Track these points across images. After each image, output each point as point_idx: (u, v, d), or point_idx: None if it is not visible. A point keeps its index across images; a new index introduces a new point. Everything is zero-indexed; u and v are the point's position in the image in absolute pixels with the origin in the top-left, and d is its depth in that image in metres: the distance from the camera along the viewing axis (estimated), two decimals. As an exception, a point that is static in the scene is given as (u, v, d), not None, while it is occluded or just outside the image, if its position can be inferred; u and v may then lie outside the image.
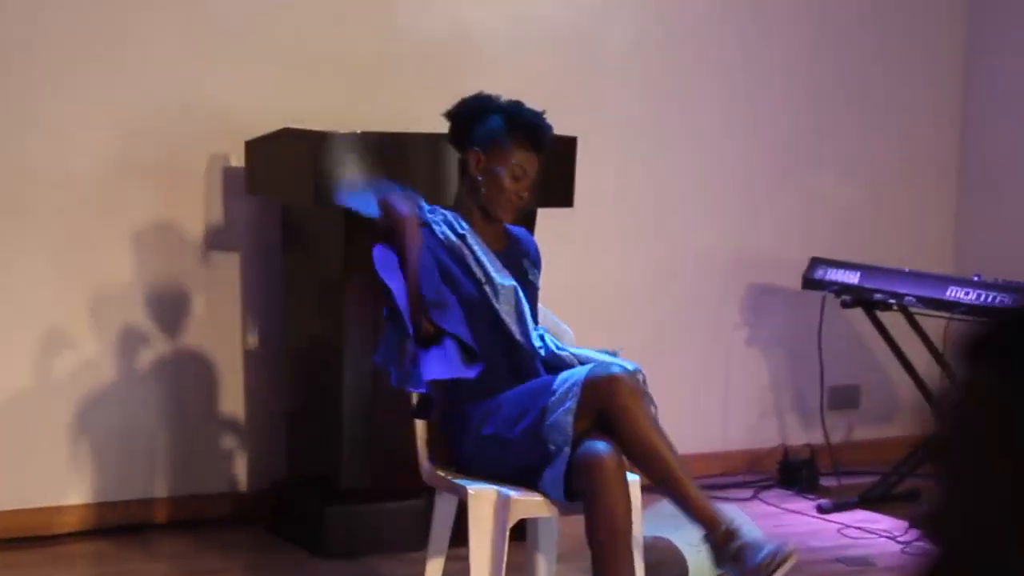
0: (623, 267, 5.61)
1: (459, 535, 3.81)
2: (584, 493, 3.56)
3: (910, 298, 5.12)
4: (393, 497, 4.67)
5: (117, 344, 4.85)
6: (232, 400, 5.02)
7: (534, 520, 3.93)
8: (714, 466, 5.72)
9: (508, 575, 3.73)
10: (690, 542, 4.15)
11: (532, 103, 3.92)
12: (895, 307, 5.24)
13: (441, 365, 3.69)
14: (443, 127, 3.96)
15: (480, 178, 3.84)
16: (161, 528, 4.85)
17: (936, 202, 6.25)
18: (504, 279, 3.84)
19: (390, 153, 4.54)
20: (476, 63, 5.21)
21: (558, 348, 3.91)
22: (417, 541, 4.20)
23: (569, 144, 4.68)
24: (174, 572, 4.53)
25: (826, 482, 5.60)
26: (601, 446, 3.56)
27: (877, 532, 5.04)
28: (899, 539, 4.94)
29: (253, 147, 4.79)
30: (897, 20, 6.11)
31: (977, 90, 6.23)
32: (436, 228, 3.82)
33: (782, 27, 5.87)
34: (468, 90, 3.93)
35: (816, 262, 5.45)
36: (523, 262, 3.96)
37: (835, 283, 5.34)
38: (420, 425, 3.89)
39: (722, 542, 3.58)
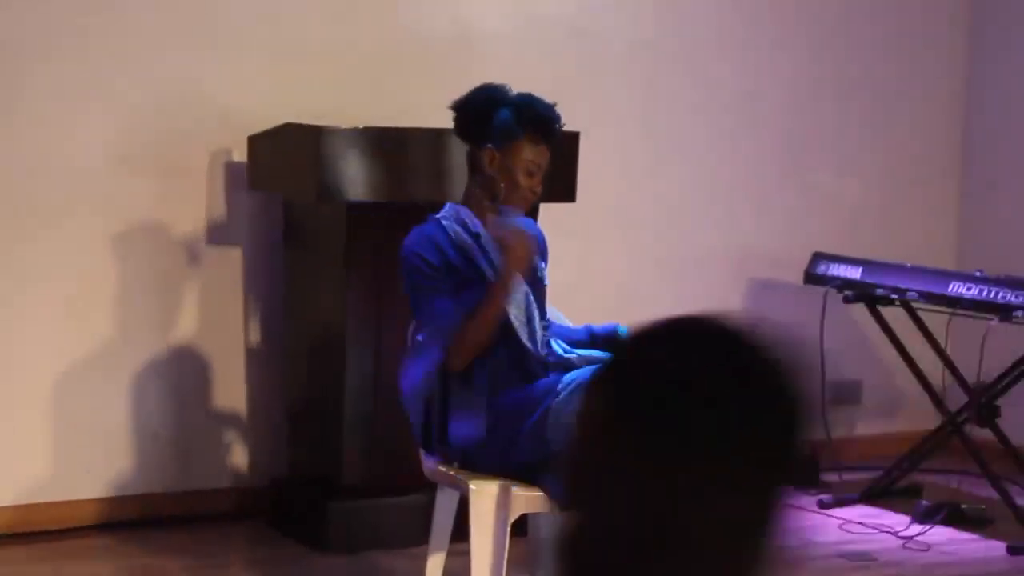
0: (625, 262, 5.61)
1: (460, 530, 3.81)
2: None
3: (912, 293, 5.12)
4: (394, 492, 4.66)
5: (118, 340, 4.84)
6: (233, 396, 5.01)
7: (536, 515, 3.93)
8: (716, 461, 5.72)
9: (509, 570, 3.73)
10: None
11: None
12: (897, 302, 5.24)
13: (468, 429, 3.70)
14: (444, 122, 3.94)
15: (494, 176, 3.80)
16: (163, 523, 4.85)
17: (939, 197, 6.24)
18: (516, 282, 3.79)
19: (391, 148, 4.54)
20: (477, 58, 5.20)
21: (566, 352, 3.88)
22: (418, 536, 4.20)
23: (572, 139, 4.68)
24: (175, 567, 4.53)
25: (827, 477, 5.59)
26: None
27: (878, 527, 5.04)
28: (900, 534, 4.94)
29: (255, 142, 4.78)
30: (900, 18, 6.11)
31: (980, 86, 6.22)
32: (447, 224, 3.81)
33: (785, 24, 5.87)
34: (469, 86, 3.91)
35: (818, 257, 5.45)
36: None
37: (837, 278, 5.33)
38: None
39: None
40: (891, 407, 6.14)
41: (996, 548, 4.87)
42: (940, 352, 5.27)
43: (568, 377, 3.68)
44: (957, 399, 5.29)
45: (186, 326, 4.94)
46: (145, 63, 4.82)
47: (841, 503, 5.30)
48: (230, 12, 4.93)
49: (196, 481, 4.96)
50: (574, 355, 3.84)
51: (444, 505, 3.88)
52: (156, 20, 4.83)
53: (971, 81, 6.24)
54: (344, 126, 4.51)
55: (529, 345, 3.79)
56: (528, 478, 3.68)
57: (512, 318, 3.77)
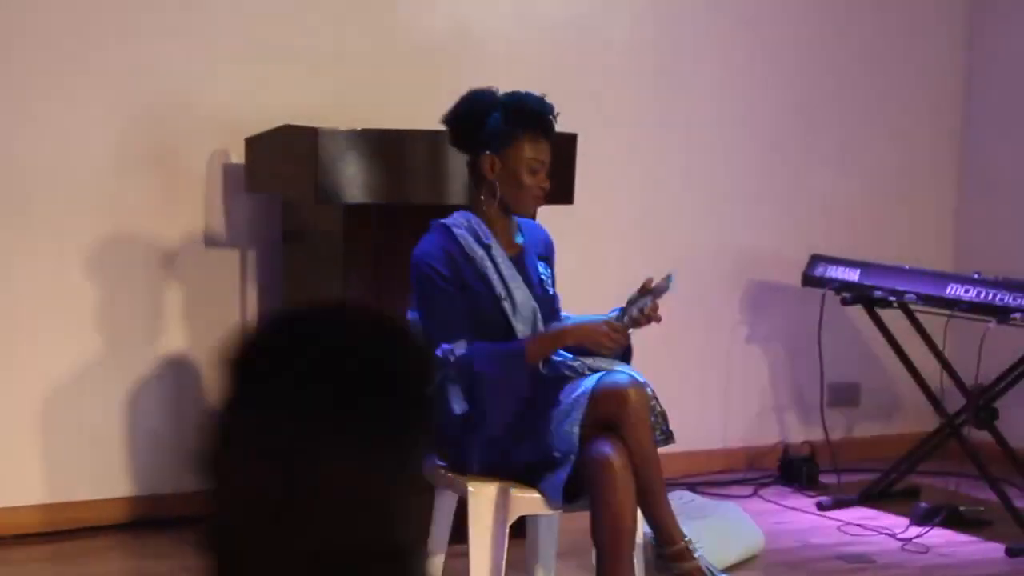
0: (623, 264, 5.60)
1: (459, 532, 3.81)
2: (591, 492, 3.56)
3: (910, 295, 5.12)
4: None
5: (117, 341, 4.84)
6: (232, 397, 5.00)
7: (534, 517, 3.93)
8: (714, 463, 5.73)
9: (508, 572, 3.74)
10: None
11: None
12: (895, 304, 5.24)
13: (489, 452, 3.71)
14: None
15: (497, 182, 3.76)
16: (164, 523, 4.84)
17: (936, 199, 6.25)
18: (524, 297, 3.78)
19: (389, 149, 4.53)
20: (476, 60, 5.21)
21: (571, 359, 3.86)
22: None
23: (569, 141, 4.68)
24: (175, 567, 4.53)
25: (826, 479, 5.60)
26: (608, 447, 3.56)
27: (877, 529, 5.04)
28: (899, 536, 4.94)
29: (253, 144, 4.79)
30: (898, 17, 6.12)
31: (978, 87, 6.23)
32: (459, 233, 3.78)
33: (782, 25, 5.87)
34: (468, 86, 3.90)
35: (816, 259, 5.45)
36: (538, 266, 3.90)
37: (835, 280, 5.33)
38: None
39: (672, 558, 3.64)
40: (889, 409, 6.14)
41: (994, 550, 4.87)
42: (938, 354, 5.27)
43: (571, 386, 3.67)
44: (955, 401, 5.30)
45: (185, 327, 4.94)
46: (144, 66, 4.82)
47: (839, 505, 5.30)
48: (229, 14, 4.93)
49: (197, 482, 4.94)
50: (578, 362, 3.80)
51: (443, 507, 3.88)
52: (155, 22, 4.83)
53: (969, 82, 6.24)
54: (342, 128, 4.50)
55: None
56: (526, 478, 3.68)
57: (519, 333, 3.76)
